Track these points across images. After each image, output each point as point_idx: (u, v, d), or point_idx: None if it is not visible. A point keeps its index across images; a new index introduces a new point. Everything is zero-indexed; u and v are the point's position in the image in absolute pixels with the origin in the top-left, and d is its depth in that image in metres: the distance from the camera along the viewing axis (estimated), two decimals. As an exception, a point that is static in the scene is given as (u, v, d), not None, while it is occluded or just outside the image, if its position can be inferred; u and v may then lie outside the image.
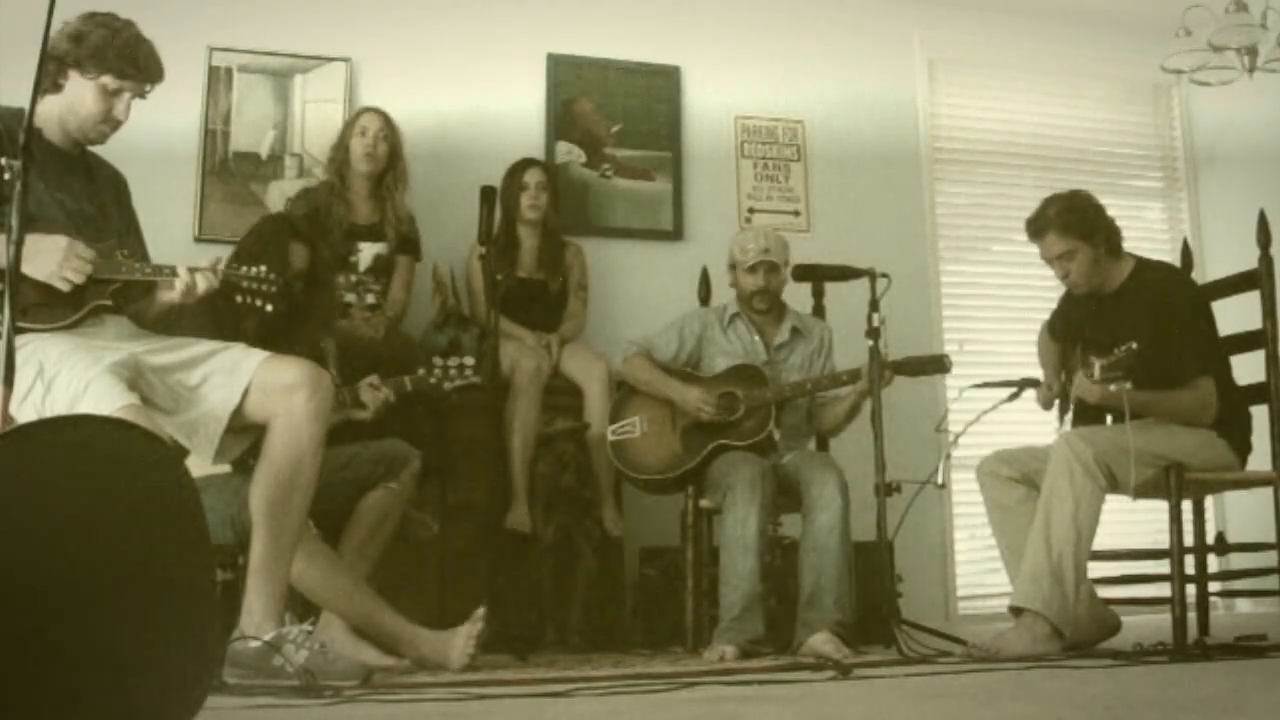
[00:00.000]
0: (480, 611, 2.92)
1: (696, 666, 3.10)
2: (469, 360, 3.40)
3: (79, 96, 2.67)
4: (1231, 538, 4.44)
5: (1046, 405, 3.57)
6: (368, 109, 4.25)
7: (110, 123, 2.72)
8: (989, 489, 3.50)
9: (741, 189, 5.06)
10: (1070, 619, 3.17)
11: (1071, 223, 3.42)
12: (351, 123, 4.21)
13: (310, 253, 3.32)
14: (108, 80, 2.66)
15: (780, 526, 3.82)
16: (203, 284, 2.71)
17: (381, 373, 3.39)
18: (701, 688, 2.48)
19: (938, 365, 3.83)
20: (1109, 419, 3.41)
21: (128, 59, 2.66)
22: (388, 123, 4.18)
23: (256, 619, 2.59)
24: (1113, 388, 3.04)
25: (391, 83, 4.63)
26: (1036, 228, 3.49)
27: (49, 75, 2.60)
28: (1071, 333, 3.58)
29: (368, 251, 4.14)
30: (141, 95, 2.73)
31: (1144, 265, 3.52)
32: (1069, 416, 3.52)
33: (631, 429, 3.82)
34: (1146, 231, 5.51)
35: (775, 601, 3.64)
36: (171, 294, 2.72)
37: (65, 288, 2.57)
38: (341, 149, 4.19)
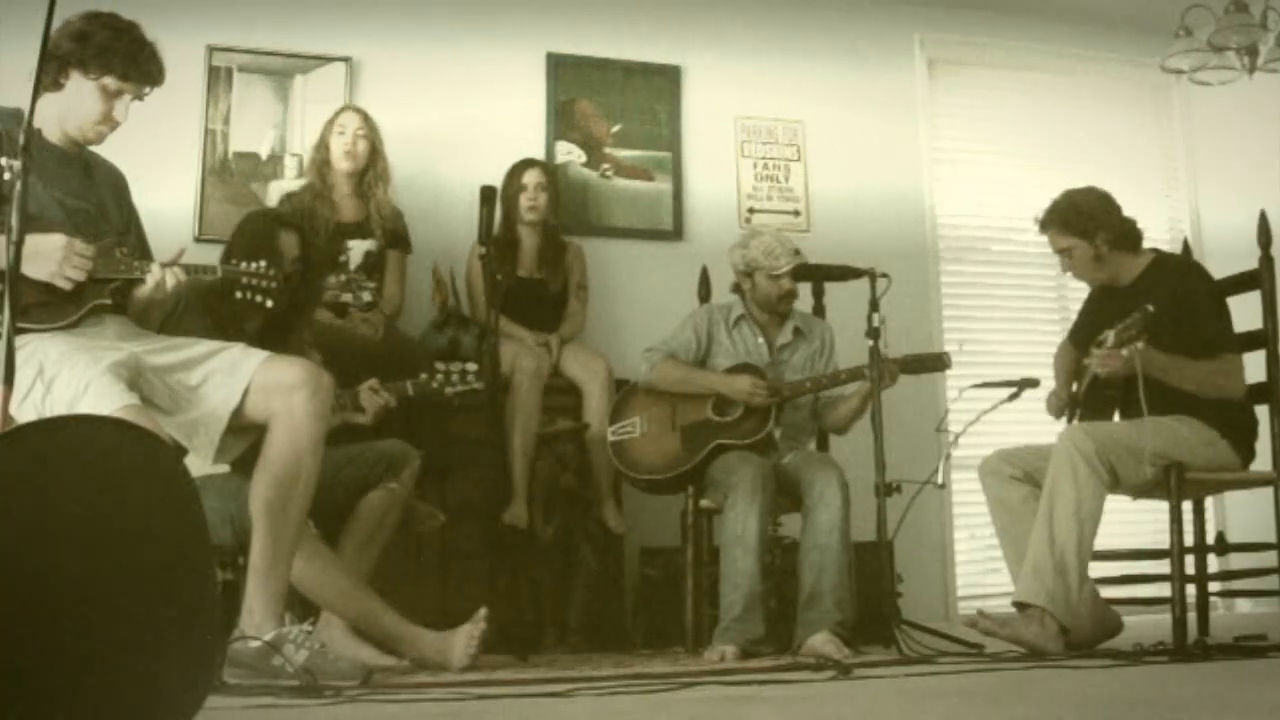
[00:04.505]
0: (482, 612, 2.92)
1: (696, 666, 3.10)
2: (471, 366, 3.40)
3: (79, 96, 2.67)
4: (1231, 538, 4.44)
5: (1058, 413, 3.58)
6: (345, 108, 4.25)
7: (109, 123, 2.72)
8: (991, 488, 3.50)
9: (741, 189, 5.06)
10: (1073, 614, 3.17)
11: (1071, 221, 3.51)
12: (330, 122, 4.19)
13: (301, 240, 3.32)
14: (109, 81, 2.66)
15: (780, 526, 3.82)
16: (171, 280, 2.71)
17: (381, 373, 3.39)
18: (701, 688, 2.48)
19: (938, 363, 3.84)
20: (1116, 416, 3.42)
21: (131, 61, 2.67)
22: (366, 120, 4.17)
23: (256, 619, 2.59)
24: (1124, 352, 3.08)
25: (391, 83, 4.64)
26: (1042, 222, 3.59)
27: (49, 74, 2.60)
28: (1092, 332, 3.59)
29: (357, 249, 4.13)
30: (140, 98, 2.73)
31: (1163, 258, 3.58)
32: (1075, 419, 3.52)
33: (632, 429, 3.82)
34: (1146, 230, 5.47)
35: (775, 601, 3.64)
36: (143, 289, 2.71)
37: (67, 286, 2.57)
38: (322, 149, 4.17)
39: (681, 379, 3.81)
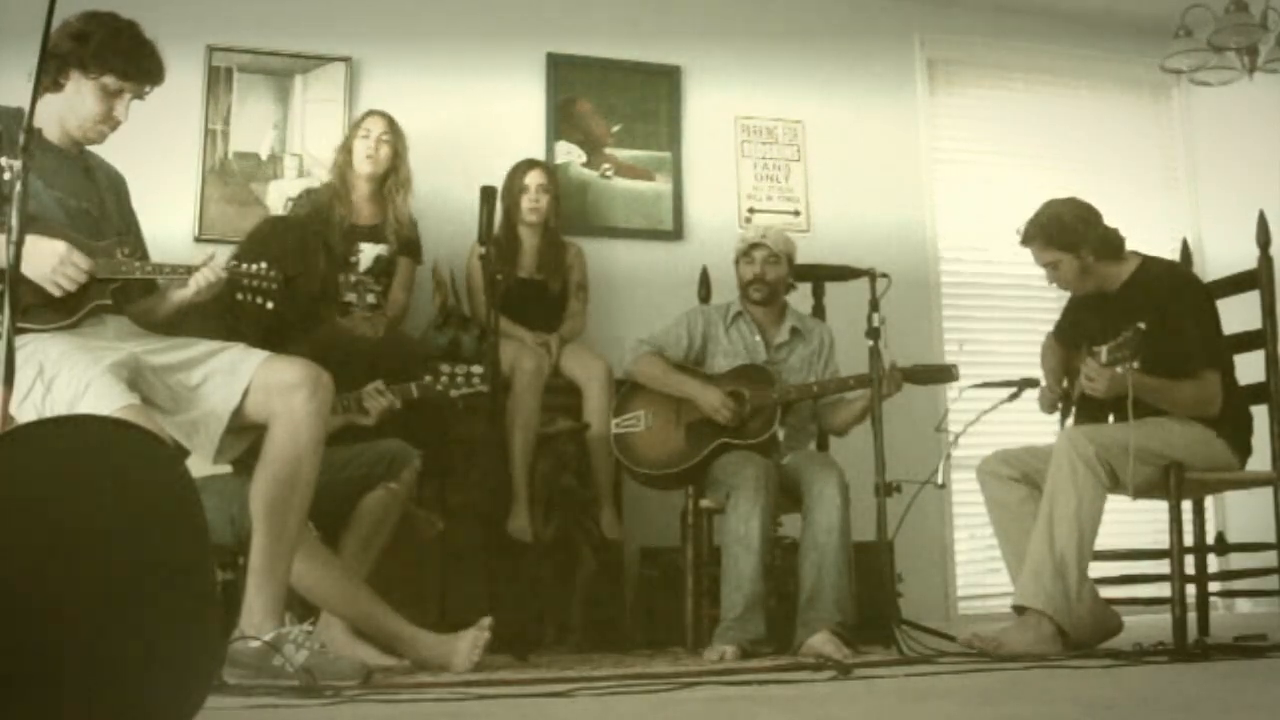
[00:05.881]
0: (487, 620, 2.92)
1: (696, 666, 3.10)
2: (476, 368, 3.38)
3: (79, 96, 2.67)
4: (1231, 538, 4.44)
5: (1049, 408, 3.59)
6: (373, 111, 4.24)
7: (110, 123, 2.72)
8: (990, 489, 3.51)
9: (741, 189, 5.06)
10: (1072, 616, 3.17)
11: (1054, 235, 3.49)
12: (357, 124, 4.22)
13: (327, 259, 3.33)
14: (109, 80, 2.66)
15: (780, 526, 3.82)
16: (213, 277, 2.73)
17: (382, 373, 3.38)
18: (701, 688, 2.49)
19: (945, 375, 3.87)
20: (1111, 418, 3.42)
21: (131, 60, 2.67)
22: (392, 126, 4.18)
23: (256, 619, 2.59)
24: (1119, 369, 3.08)
25: (391, 83, 4.64)
26: (1025, 236, 3.57)
27: (49, 74, 2.60)
28: (1078, 335, 3.59)
29: (368, 252, 4.14)
30: (140, 96, 2.74)
31: (1148, 263, 3.55)
32: (1070, 419, 3.53)
33: (635, 423, 3.82)
34: (1146, 231, 5.49)
35: (775, 601, 3.64)
36: (184, 291, 2.74)
37: (57, 293, 2.57)
38: (345, 150, 4.19)
39: (658, 377, 3.82)
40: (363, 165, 4.14)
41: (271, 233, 3.27)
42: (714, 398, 3.71)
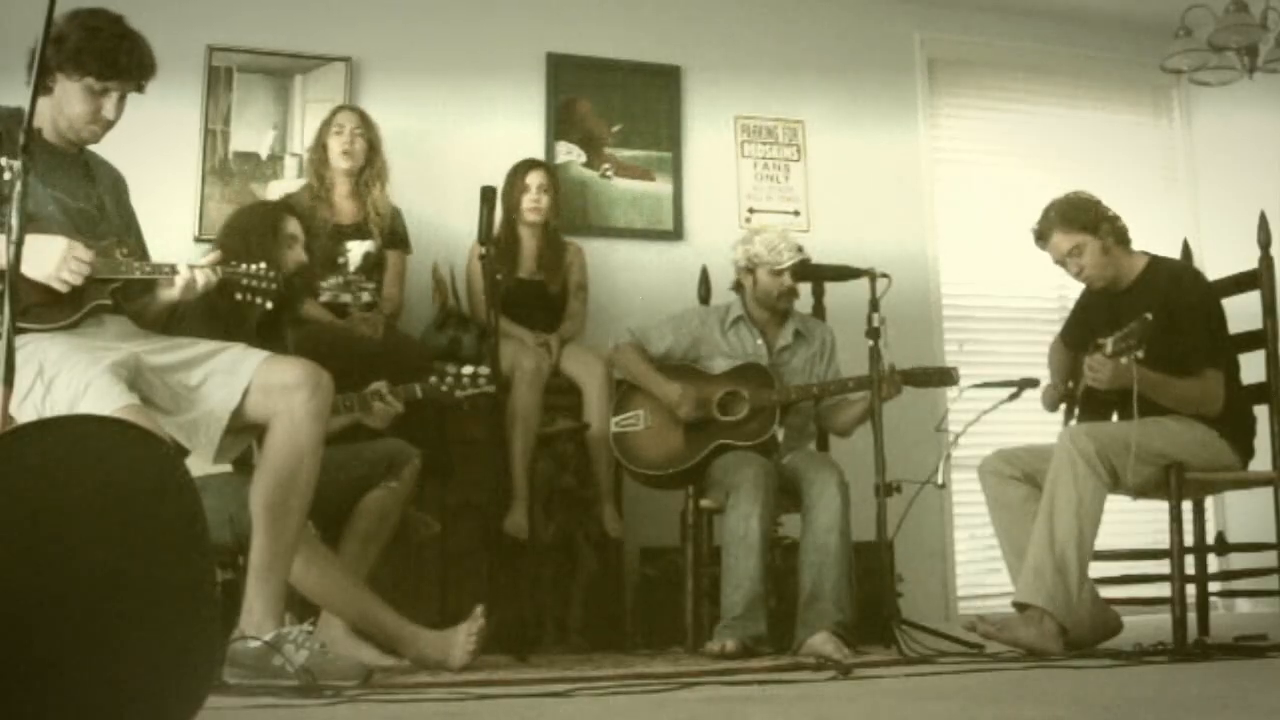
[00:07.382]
0: (480, 609, 2.92)
1: (696, 666, 3.10)
2: (484, 369, 3.35)
3: (66, 97, 2.66)
4: (1231, 538, 4.44)
5: (1052, 406, 3.58)
6: (343, 107, 4.23)
7: (100, 122, 2.70)
8: (991, 488, 3.50)
9: (741, 189, 5.06)
10: (1073, 614, 3.17)
11: (1073, 218, 3.49)
12: (328, 122, 4.16)
13: (303, 229, 3.29)
14: (90, 81, 2.65)
15: (780, 526, 3.82)
16: (201, 280, 2.73)
17: (381, 373, 3.37)
18: (701, 688, 2.49)
19: (944, 378, 3.87)
20: (1115, 417, 3.42)
21: (107, 60, 2.63)
22: (364, 120, 4.15)
23: (256, 619, 2.59)
24: (1124, 360, 3.08)
25: (391, 83, 4.64)
26: (1041, 231, 3.57)
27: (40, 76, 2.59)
28: (1085, 335, 3.59)
29: (356, 251, 4.11)
30: (138, 90, 2.72)
31: (1157, 262, 3.56)
32: (1074, 419, 3.53)
33: (635, 422, 3.82)
34: (1146, 231, 5.46)
35: (775, 601, 3.64)
36: (171, 291, 2.73)
37: (63, 289, 2.57)
38: (319, 149, 4.14)
39: (630, 369, 3.87)
40: (339, 162, 4.10)
41: (237, 223, 3.24)
42: (673, 392, 3.72)
